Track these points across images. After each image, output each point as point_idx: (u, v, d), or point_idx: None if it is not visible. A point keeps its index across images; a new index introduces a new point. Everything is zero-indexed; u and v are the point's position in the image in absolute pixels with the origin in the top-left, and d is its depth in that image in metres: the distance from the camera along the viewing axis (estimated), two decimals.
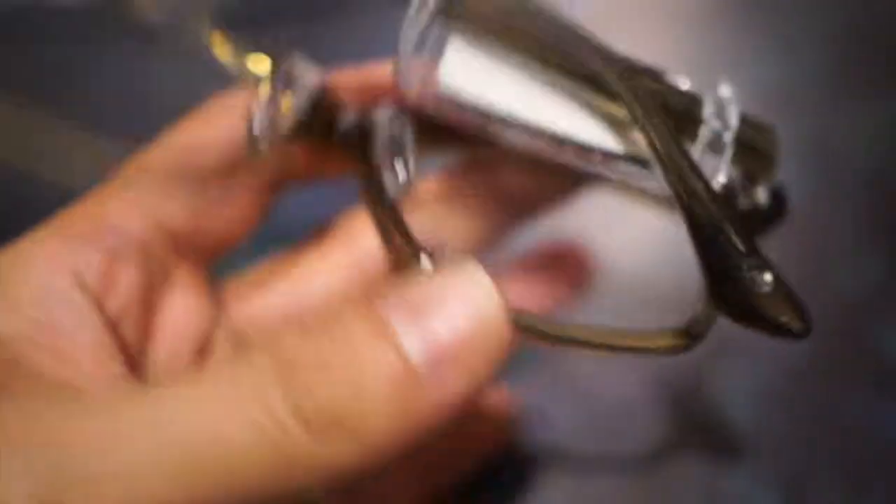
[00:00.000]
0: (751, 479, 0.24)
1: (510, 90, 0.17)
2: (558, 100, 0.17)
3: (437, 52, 0.16)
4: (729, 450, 0.24)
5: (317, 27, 0.37)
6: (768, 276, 0.15)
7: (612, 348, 0.17)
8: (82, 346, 0.16)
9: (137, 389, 0.16)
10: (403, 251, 0.16)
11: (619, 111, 0.17)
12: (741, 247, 0.15)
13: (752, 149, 0.18)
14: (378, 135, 0.18)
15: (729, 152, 0.18)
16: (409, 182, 0.18)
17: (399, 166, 0.18)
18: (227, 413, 0.13)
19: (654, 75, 0.19)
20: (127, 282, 0.18)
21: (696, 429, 0.25)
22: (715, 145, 0.18)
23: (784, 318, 0.15)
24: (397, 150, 0.18)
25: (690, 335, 0.16)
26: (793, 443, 0.24)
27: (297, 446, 0.13)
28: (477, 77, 0.17)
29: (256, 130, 0.17)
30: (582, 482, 0.24)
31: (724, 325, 0.24)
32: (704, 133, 0.18)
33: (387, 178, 0.18)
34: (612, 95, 0.17)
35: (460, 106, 0.17)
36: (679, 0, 0.38)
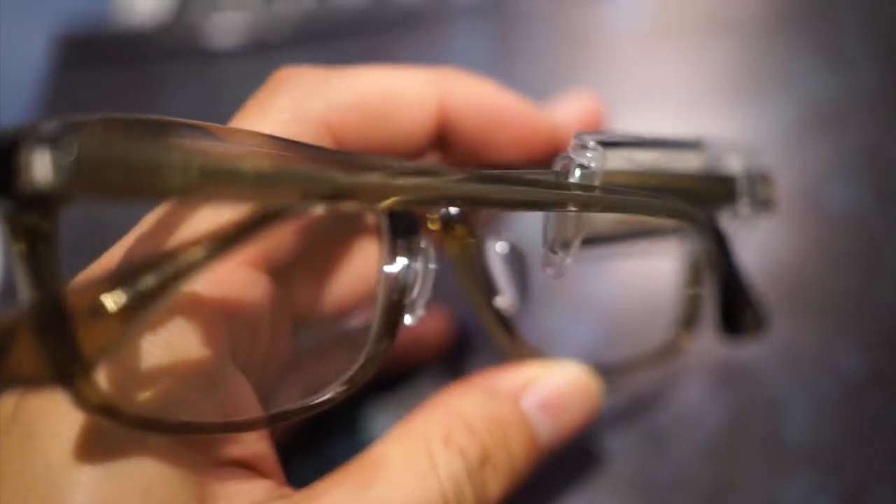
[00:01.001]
0: (808, 490, 0.24)
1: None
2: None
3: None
4: (787, 461, 0.25)
5: (385, 40, 0.38)
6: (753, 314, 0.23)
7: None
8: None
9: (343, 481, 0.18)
10: (521, 350, 0.21)
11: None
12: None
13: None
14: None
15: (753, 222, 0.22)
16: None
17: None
18: (433, 497, 0.18)
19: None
20: (262, 347, 0.19)
21: (754, 439, 0.25)
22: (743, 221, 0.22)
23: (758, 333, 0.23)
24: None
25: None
26: (850, 454, 0.25)
27: None
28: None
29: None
30: (641, 492, 0.25)
31: (788, 341, 0.27)
32: (739, 208, 0.22)
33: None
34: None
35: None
36: (731, 14, 0.37)
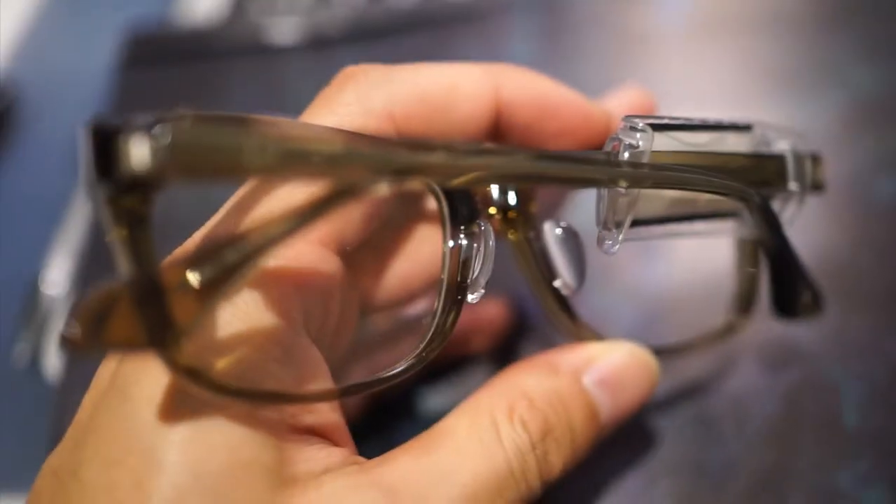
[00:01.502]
0: (863, 475, 0.24)
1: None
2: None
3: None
4: (841, 446, 0.25)
5: (438, 37, 0.39)
6: (808, 295, 0.24)
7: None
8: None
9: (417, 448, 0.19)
10: (580, 330, 0.22)
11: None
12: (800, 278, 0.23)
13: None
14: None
15: (800, 207, 0.22)
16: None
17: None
18: (500, 468, 0.19)
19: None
20: (332, 321, 0.20)
21: (809, 424, 0.26)
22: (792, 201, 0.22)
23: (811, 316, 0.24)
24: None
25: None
26: None
27: (534, 493, 0.20)
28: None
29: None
30: (690, 478, 0.25)
31: (839, 329, 0.27)
32: (789, 189, 0.22)
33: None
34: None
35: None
36: (778, 9, 0.37)
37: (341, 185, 0.15)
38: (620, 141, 0.19)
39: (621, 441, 0.24)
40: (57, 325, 0.34)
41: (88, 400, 0.18)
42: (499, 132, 0.22)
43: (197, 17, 0.47)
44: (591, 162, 0.18)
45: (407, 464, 0.18)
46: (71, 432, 0.17)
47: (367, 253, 0.22)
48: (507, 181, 0.18)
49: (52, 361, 0.33)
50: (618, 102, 0.24)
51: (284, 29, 0.41)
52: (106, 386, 0.17)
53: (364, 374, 0.25)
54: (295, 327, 0.18)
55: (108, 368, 0.18)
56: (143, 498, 0.15)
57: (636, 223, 0.21)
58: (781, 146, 0.23)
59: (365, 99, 0.20)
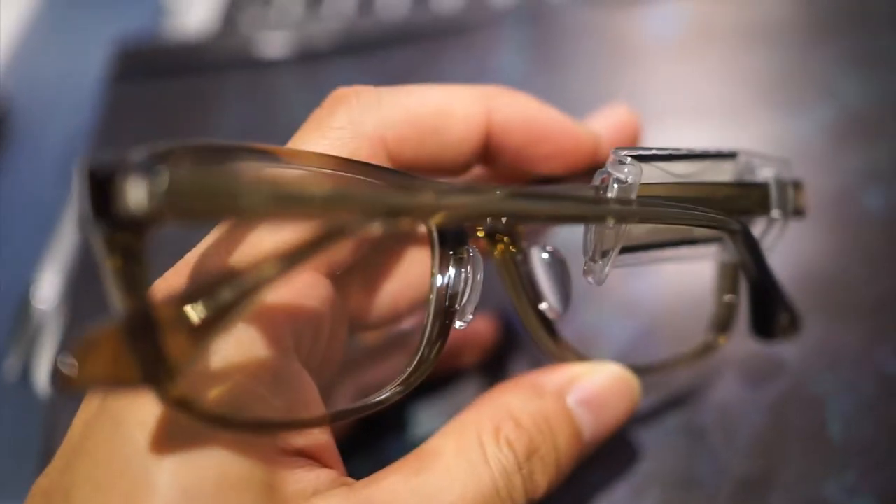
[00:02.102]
0: (850, 487, 0.25)
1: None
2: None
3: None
4: (828, 458, 0.25)
5: (427, 49, 0.39)
6: (785, 317, 0.24)
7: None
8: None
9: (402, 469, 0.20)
10: (564, 352, 0.23)
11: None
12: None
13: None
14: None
15: (783, 232, 0.23)
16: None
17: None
18: (487, 488, 0.19)
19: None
20: (321, 344, 0.21)
21: (795, 436, 0.26)
22: (775, 227, 0.23)
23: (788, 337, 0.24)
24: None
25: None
26: (888, 452, 0.25)
27: None
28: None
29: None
30: (677, 489, 0.26)
31: (826, 341, 0.27)
32: (771, 218, 0.23)
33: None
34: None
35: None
36: (767, 23, 0.37)
37: (333, 226, 0.16)
38: (609, 175, 0.19)
39: (609, 453, 0.25)
40: (48, 339, 0.34)
41: (79, 420, 0.18)
42: (489, 155, 0.23)
43: (188, 30, 0.47)
44: (579, 200, 0.19)
45: (396, 484, 0.19)
46: (61, 453, 0.18)
47: (356, 274, 0.22)
48: (493, 219, 0.19)
49: (43, 375, 0.33)
50: (604, 123, 0.25)
51: (275, 42, 0.41)
52: (97, 407, 0.17)
53: (354, 393, 0.25)
54: (285, 353, 0.19)
55: (95, 398, 0.18)
56: None
57: (622, 251, 0.21)
58: (765, 174, 0.23)
59: (356, 122, 0.20)
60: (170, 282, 0.18)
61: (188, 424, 0.16)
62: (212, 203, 0.14)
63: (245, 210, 0.14)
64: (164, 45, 0.44)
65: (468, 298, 0.20)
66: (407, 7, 0.44)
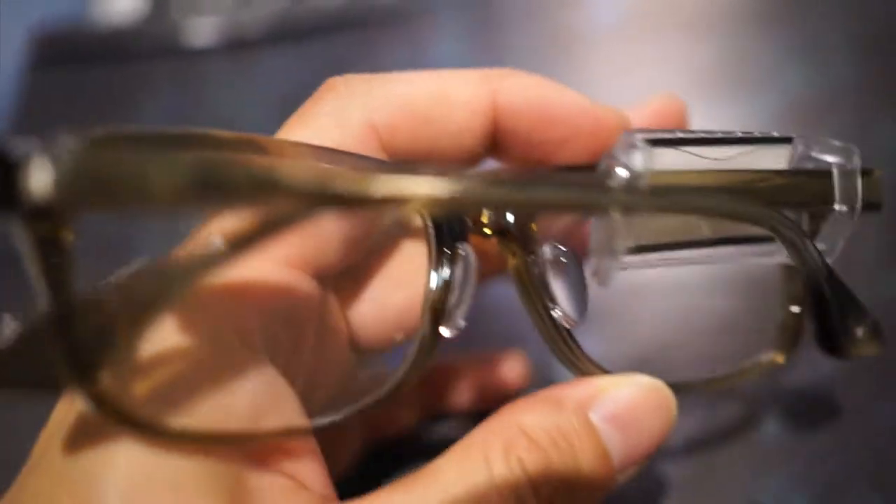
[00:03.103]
0: (787, 486, 0.24)
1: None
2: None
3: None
4: (762, 459, 0.25)
5: (364, 37, 0.37)
6: (860, 330, 0.20)
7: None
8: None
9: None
10: (583, 363, 0.20)
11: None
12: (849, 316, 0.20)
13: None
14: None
15: (850, 230, 0.19)
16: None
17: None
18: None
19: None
20: (305, 349, 0.19)
21: (729, 437, 0.25)
22: (841, 223, 0.19)
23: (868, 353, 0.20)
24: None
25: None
26: (828, 450, 0.25)
27: None
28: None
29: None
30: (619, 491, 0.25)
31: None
32: (834, 217, 0.20)
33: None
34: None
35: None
36: (711, 11, 0.37)
37: (276, 215, 0.14)
38: (615, 160, 0.17)
39: None
40: None
41: (44, 434, 0.17)
42: (499, 144, 0.21)
43: (114, 15, 0.44)
44: (577, 187, 0.16)
45: (384, 503, 0.17)
46: (24, 471, 0.17)
47: (356, 284, 0.21)
48: (482, 207, 0.17)
49: None
50: (643, 110, 0.22)
51: (205, 29, 0.40)
52: (59, 421, 0.16)
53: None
54: (253, 355, 0.17)
55: (61, 411, 0.17)
56: None
57: (644, 249, 0.18)
58: (827, 161, 0.20)
59: (342, 110, 0.19)
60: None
61: (141, 433, 0.15)
62: (121, 188, 0.13)
63: (158, 195, 0.13)
64: (88, 31, 0.43)
65: (457, 302, 0.18)
66: None
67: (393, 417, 0.26)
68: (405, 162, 0.19)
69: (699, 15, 0.38)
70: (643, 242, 0.18)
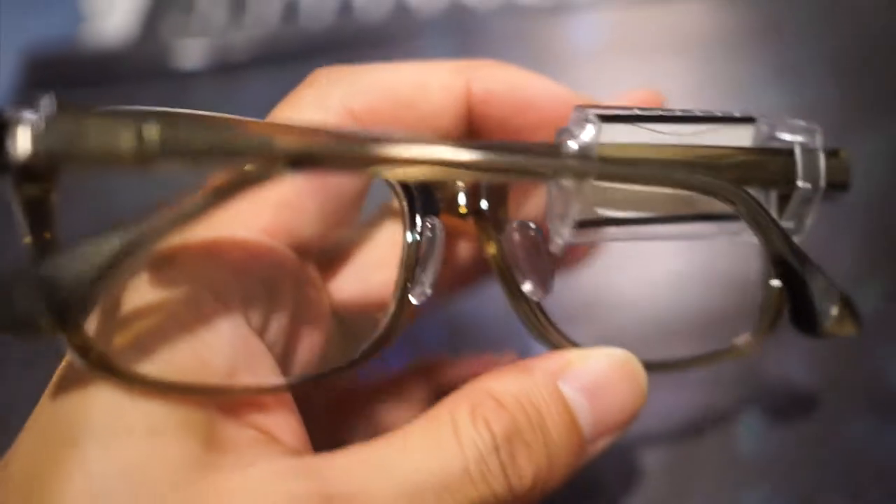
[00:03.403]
0: (764, 497, 0.24)
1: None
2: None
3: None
4: (742, 469, 0.25)
5: (351, 58, 0.38)
6: (835, 310, 0.20)
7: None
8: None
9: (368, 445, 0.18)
10: (554, 336, 0.21)
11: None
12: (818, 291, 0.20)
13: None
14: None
15: (816, 208, 0.19)
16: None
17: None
18: (452, 466, 0.17)
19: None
20: (282, 313, 0.20)
21: (709, 450, 0.26)
22: (805, 202, 0.20)
23: (845, 333, 0.21)
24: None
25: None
26: (802, 464, 0.25)
27: (500, 501, 0.18)
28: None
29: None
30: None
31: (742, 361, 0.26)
32: (797, 195, 0.20)
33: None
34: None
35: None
36: (687, 32, 0.39)
37: (237, 175, 0.15)
38: (569, 132, 0.18)
39: None
40: None
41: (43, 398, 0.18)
42: (475, 129, 0.22)
43: (106, 37, 0.45)
44: (530, 152, 0.17)
45: (347, 457, 0.17)
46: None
47: (340, 263, 0.22)
48: (435, 170, 0.17)
49: None
50: (620, 102, 0.23)
51: (194, 51, 0.41)
52: (55, 385, 0.17)
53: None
54: (228, 311, 0.18)
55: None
56: (57, 475, 0.16)
57: (607, 222, 0.19)
58: (790, 139, 0.20)
59: (322, 98, 0.20)
60: None
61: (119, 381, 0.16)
62: (90, 149, 0.14)
63: (127, 154, 0.14)
64: (79, 54, 0.44)
65: (424, 272, 0.19)
66: (331, 16, 0.43)
67: (394, 415, 0.26)
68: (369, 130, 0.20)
69: (678, 37, 0.39)
70: (606, 216, 0.19)
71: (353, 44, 0.40)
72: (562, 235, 0.18)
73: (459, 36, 0.40)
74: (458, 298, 0.27)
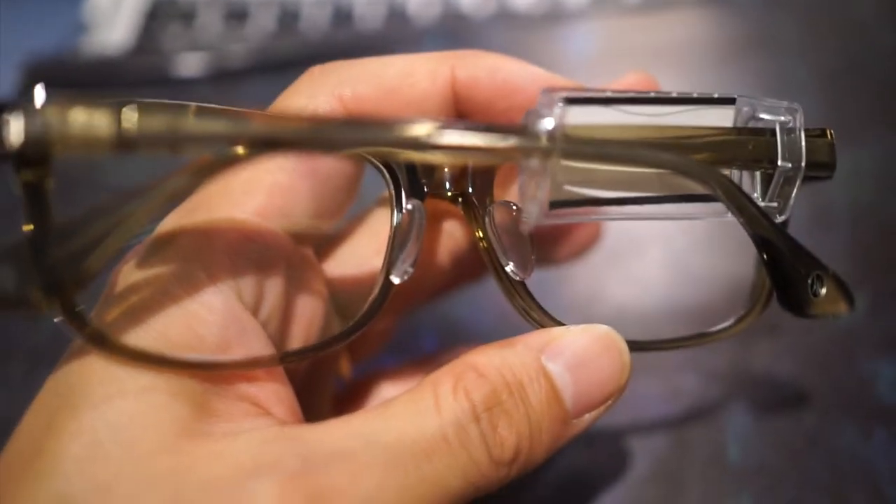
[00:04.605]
0: None
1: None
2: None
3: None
4: (728, 478, 0.26)
5: None
6: (823, 290, 0.21)
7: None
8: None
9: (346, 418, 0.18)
10: (538, 315, 0.21)
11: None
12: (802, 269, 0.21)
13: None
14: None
15: (797, 186, 0.20)
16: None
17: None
18: (431, 432, 0.18)
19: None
20: (275, 291, 0.20)
21: (696, 458, 0.26)
22: (787, 182, 0.20)
23: (836, 311, 0.21)
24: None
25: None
26: (788, 471, 0.26)
27: (482, 470, 0.18)
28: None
29: None
30: None
31: (728, 363, 0.28)
32: (778, 174, 0.20)
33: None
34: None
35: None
36: (677, 40, 0.40)
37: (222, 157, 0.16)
38: (536, 114, 0.18)
39: None
40: None
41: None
42: (460, 114, 0.22)
43: (106, 47, 0.46)
44: (496, 131, 0.18)
45: (331, 426, 0.18)
46: None
47: (337, 249, 0.23)
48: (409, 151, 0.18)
49: None
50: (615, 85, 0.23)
51: (192, 60, 0.42)
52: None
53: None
54: (219, 288, 0.19)
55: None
56: (54, 435, 0.17)
57: (586, 202, 0.20)
58: (772, 119, 0.20)
59: (315, 87, 0.21)
60: None
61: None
62: (77, 134, 0.15)
63: (111, 141, 0.15)
64: (77, 63, 0.45)
65: (404, 252, 0.20)
66: (328, 24, 0.44)
67: None
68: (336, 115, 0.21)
69: (669, 52, 0.40)
70: (583, 196, 0.19)
71: (349, 52, 0.41)
72: (530, 215, 0.18)
73: (455, 44, 0.39)
74: (460, 288, 0.28)
